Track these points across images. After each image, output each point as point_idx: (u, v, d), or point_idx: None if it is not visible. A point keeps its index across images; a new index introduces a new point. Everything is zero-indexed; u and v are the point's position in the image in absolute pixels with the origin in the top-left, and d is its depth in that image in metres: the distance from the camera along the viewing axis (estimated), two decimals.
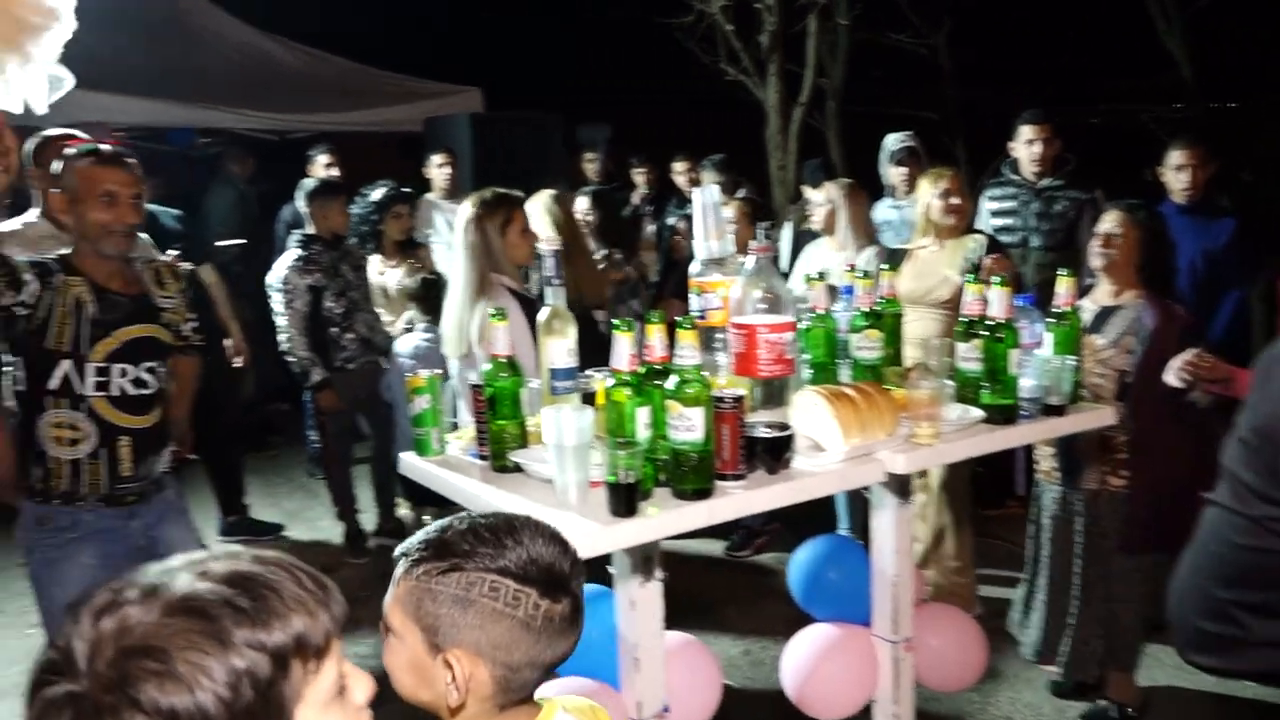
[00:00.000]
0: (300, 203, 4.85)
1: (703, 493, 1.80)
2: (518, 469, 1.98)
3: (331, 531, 5.29)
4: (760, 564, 4.84)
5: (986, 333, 2.29)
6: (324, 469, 5.30)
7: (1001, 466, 4.69)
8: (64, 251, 2.77)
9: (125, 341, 2.75)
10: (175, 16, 7.93)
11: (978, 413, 2.25)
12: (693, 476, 1.80)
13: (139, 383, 2.78)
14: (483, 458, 2.06)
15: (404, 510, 5.31)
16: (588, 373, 2.08)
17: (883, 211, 5.41)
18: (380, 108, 8.01)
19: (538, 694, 1.32)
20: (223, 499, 5.36)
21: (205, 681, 0.83)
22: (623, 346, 1.78)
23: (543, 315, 2.05)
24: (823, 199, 4.56)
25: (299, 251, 4.73)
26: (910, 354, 2.59)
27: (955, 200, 3.93)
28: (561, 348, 2.02)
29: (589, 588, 2.51)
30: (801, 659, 2.62)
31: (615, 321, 1.78)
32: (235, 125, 7.55)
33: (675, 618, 4.08)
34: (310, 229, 4.78)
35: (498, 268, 3.20)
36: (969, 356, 2.30)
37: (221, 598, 0.86)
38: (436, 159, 6.35)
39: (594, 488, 1.79)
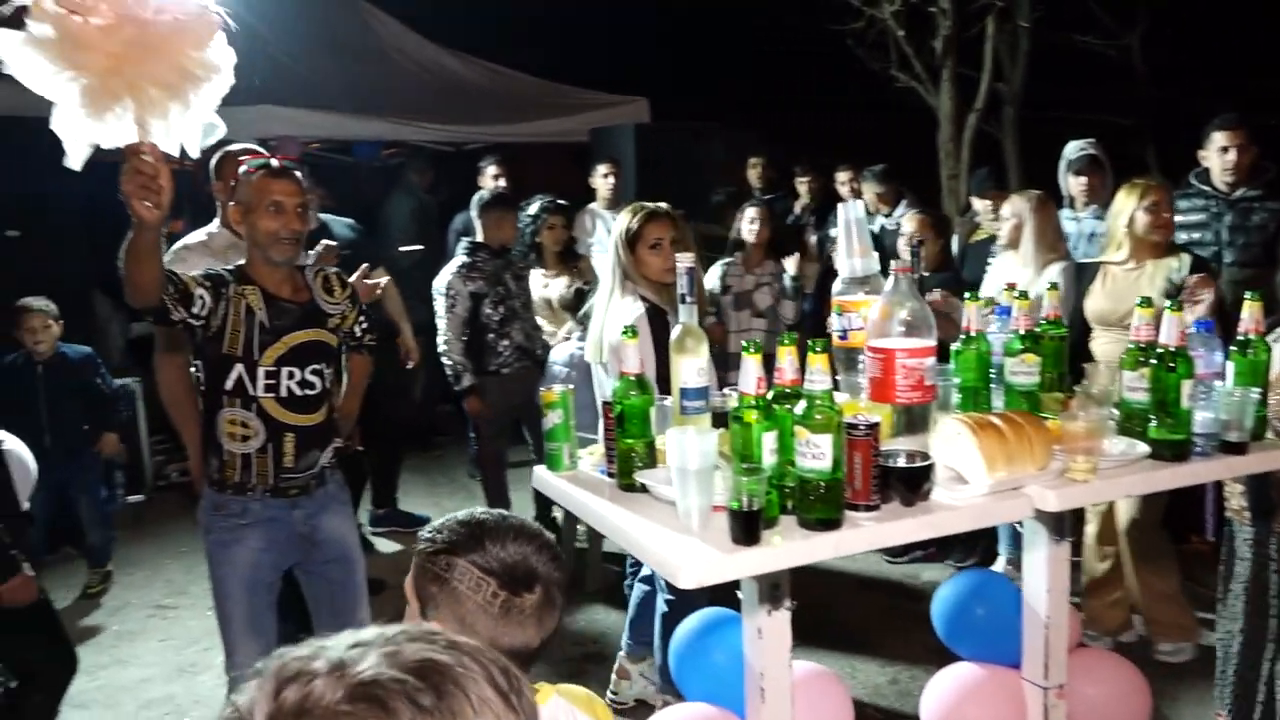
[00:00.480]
0: (473, 212, 5.02)
1: (830, 523, 1.73)
2: (644, 489, 1.96)
3: None
4: (917, 587, 4.66)
5: (1156, 361, 2.11)
6: (480, 470, 5.46)
7: (1188, 500, 4.35)
8: (240, 262, 2.95)
9: (292, 346, 2.90)
10: (368, 36, 8.40)
11: (1143, 448, 2.08)
12: (820, 506, 1.73)
13: (305, 384, 2.93)
14: (611, 475, 2.06)
15: (558, 513, 5.38)
16: (725, 391, 2.04)
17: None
18: (550, 119, 8.20)
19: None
20: (376, 492, 5.61)
21: None
22: (750, 368, 1.73)
23: (675, 333, 2.02)
24: (1008, 212, 4.34)
25: (465, 258, 4.89)
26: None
27: (1166, 215, 3.71)
28: (692, 366, 1.98)
29: (718, 612, 2.48)
30: (944, 699, 2.49)
31: (745, 343, 1.74)
32: (415, 137, 7.89)
33: (823, 638, 4.02)
34: (479, 237, 4.94)
35: (633, 280, 3.26)
36: (1136, 386, 2.13)
37: (404, 690, 0.81)
38: (601, 169, 6.44)
39: (716, 512, 1.75)
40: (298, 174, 2.88)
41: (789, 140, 8.48)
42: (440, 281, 4.88)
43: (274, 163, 2.88)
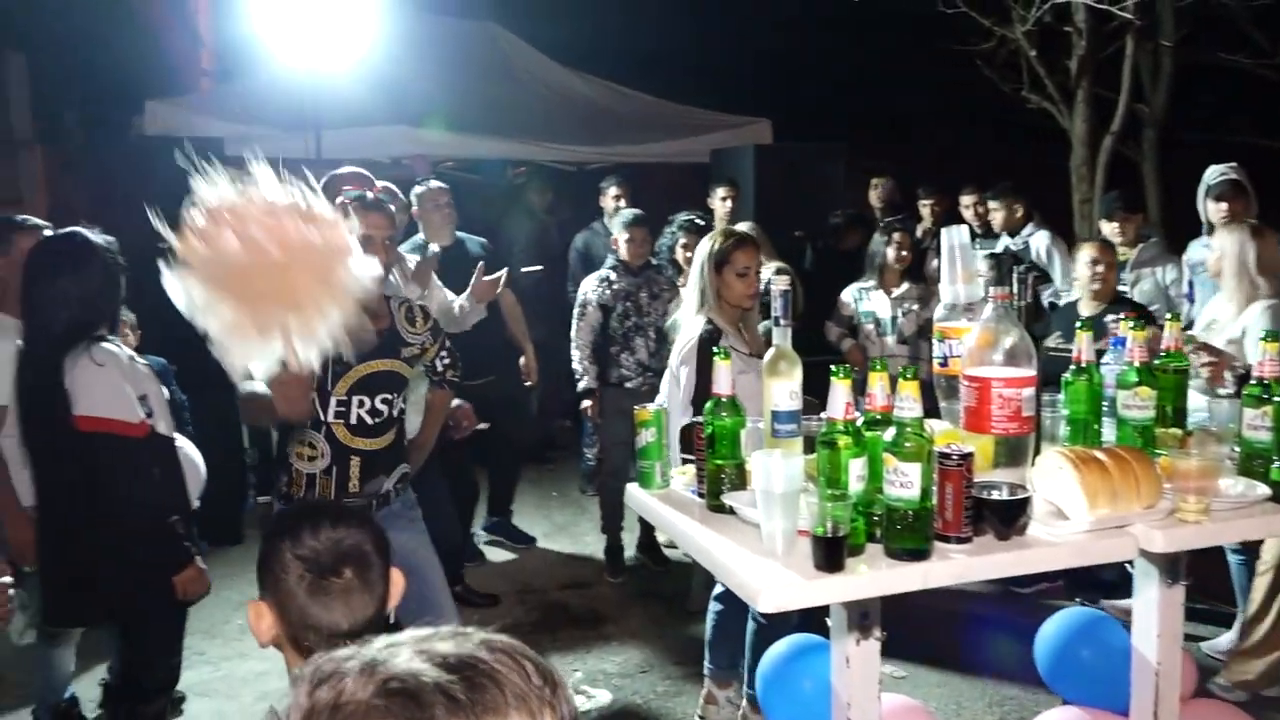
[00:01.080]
0: (615, 229, 5.20)
1: (918, 553, 1.70)
2: (731, 511, 1.96)
3: (595, 547, 5.48)
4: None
5: None
6: (596, 484, 5.53)
7: None
8: None
9: (364, 376, 2.97)
10: (498, 57, 8.65)
11: (1263, 489, 1.97)
12: (907, 535, 1.70)
13: (374, 412, 3.00)
14: (701, 495, 2.07)
15: (662, 536, 5.41)
16: (821, 416, 2.02)
17: (1196, 251, 4.89)
18: (672, 140, 8.26)
19: None
20: (492, 501, 5.74)
21: None
22: (839, 394, 1.72)
23: (768, 356, 2.02)
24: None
25: (604, 272, 5.14)
26: None
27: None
28: (784, 389, 1.98)
29: (808, 638, 2.45)
30: None
31: (834, 368, 1.73)
32: (539, 157, 8.07)
33: (934, 660, 3.91)
34: (622, 254, 5.11)
35: (711, 302, 3.34)
36: (1258, 425, 2.02)
37: (437, 684, 0.79)
38: (719, 191, 6.46)
39: (801, 537, 1.74)
40: (390, 208, 3.04)
41: (912, 163, 8.34)
42: (580, 289, 5.16)
43: (368, 195, 3.03)
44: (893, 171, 7.77)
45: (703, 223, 5.53)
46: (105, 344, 2.81)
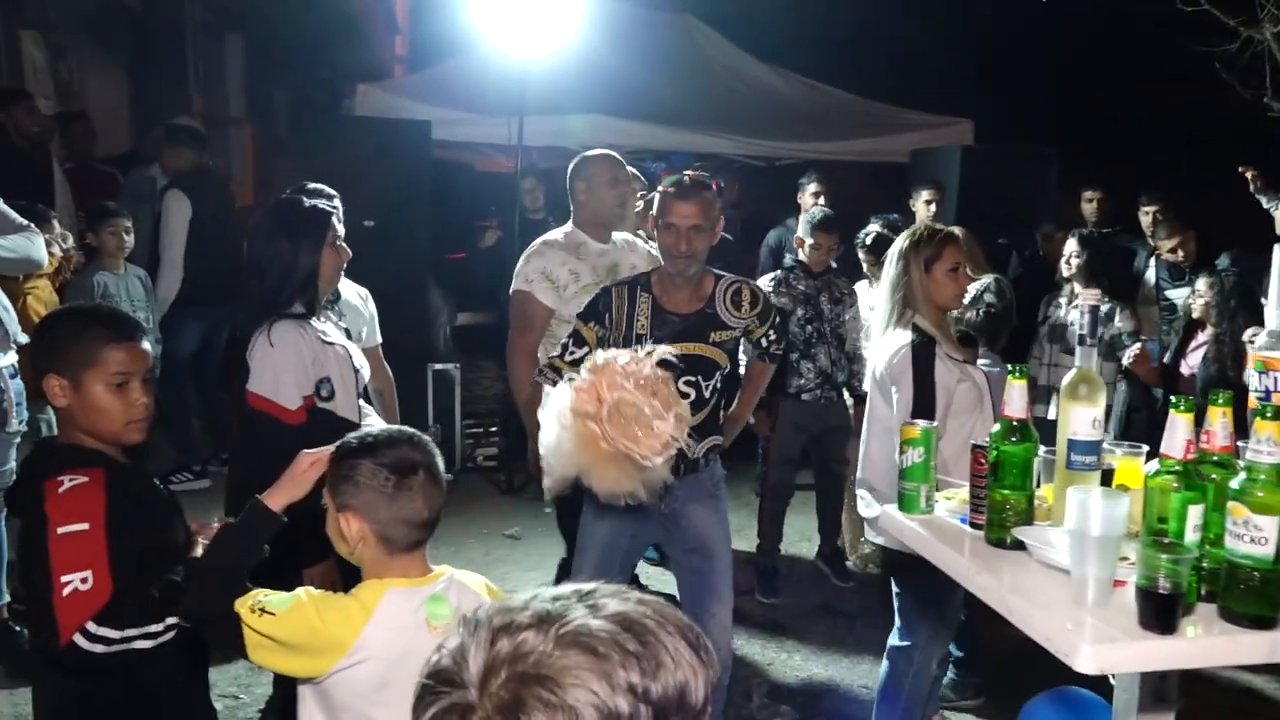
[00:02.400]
0: (801, 229, 4.91)
1: (1264, 621, 1.46)
2: (1018, 546, 1.76)
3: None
4: None
5: None
6: (760, 494, 5.24)
7: None
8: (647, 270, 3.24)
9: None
10: (695, 51, 8.55)
11: None
12: (1253, 599, 1.46)
13: (680, 393, 2.96)
14: (974, 525, 1.87)
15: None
16: (1120, 448, 1.80)
17: None
18: (867, 138, 7.97)
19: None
20: None
21: (590, 717, 0.83)
22: (1179, 429, 1.49)
23: (1068, 378, 1.81)
24: None
25: (779, 274, 4.85)
26: None
27: None
28: (1087, 417, 1.76)
29: (1085, 696, 2.21)
30: None
31: (1174, 399, 1.50)
32: (728, 150, 7.92)
33: None
34: (802, 255, 4.84)
35: (915, 306, 3.07)
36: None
37: (612, 637, 0.86)
38: (925, 194, 6.14)
39: (1117, 587, 1.53)
40: (706, 194, 3.01)
41: (1131, 171, 7.78)
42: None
43: (685, 182, 3.00)
44: (1104, 182, 7.27)
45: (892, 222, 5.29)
46: (287, 322, 2.66)
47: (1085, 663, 1.40)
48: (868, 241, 5.06)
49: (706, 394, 3.08)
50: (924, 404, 2.91)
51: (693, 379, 3.02)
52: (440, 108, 6.66)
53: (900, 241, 3.17)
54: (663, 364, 2.55)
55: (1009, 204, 6.48)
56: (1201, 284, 5.21)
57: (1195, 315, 5.04)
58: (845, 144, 7.90)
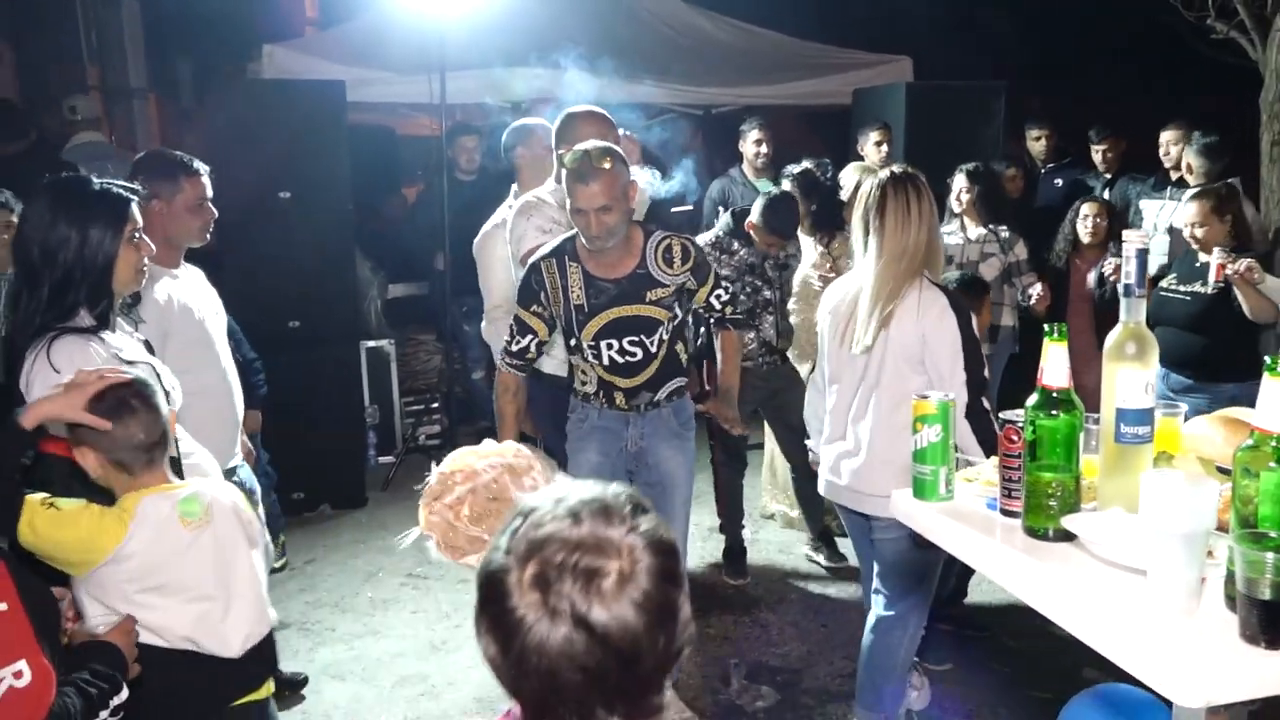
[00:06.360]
0: (755, 216, 4.39)
1: None
2: (1063, 537, 1.50)
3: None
4: None
5: None
6: (713, 464, 4.86)
7: None
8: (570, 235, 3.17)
9: (606, 323, 3.12)
10: None
11: None
12: None
13: (624, 352, 3.15)
14: (1006, 513, 1.60)
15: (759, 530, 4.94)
16: (1172, 410, 1.54)
17: None
18: (806, 80, 7.67)
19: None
20: None
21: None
22: (1277, 395, 1.23)
23: (1114, 336, 1.53)
24: None
25: (718, 234, 4.51)
26: None
27: None
28: (1137, 381, 1.49)
29: (1134, 695, 1.97)
30: None
31: (1269, 359, 1.24)
32: (664, 100, 7.57)
33: None
34: (754, 219, 4.38)
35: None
36: None
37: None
38: (873, 135, 5.87)
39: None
40: (608, 168, 2.88)
41: (1072, 102, 7.61)
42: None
43: (585, 156, 2.87)
44: (1050, 114, 7.07)
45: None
46: (71, 338, 2.19)
47: (1190, 695, 1.13)
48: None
49: (653, 349, 3.16)
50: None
51: (636, 338, 3.13)
52: (354, 67, 6.18)
53: (882, 186, 2.85)
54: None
55: (958, 143, 6.20)
56: (1086, 207, 5.14)
57: (1085, 240, 5.03)
58: (784, 87, 7.58)
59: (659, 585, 1.06)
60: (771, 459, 5.16)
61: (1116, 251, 4.82)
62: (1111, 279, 4.75)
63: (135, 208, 2.32)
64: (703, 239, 4.48)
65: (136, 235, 2.31)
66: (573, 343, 3.21)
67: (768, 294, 4.47)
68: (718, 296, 3.28)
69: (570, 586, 1.02)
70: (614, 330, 3.12)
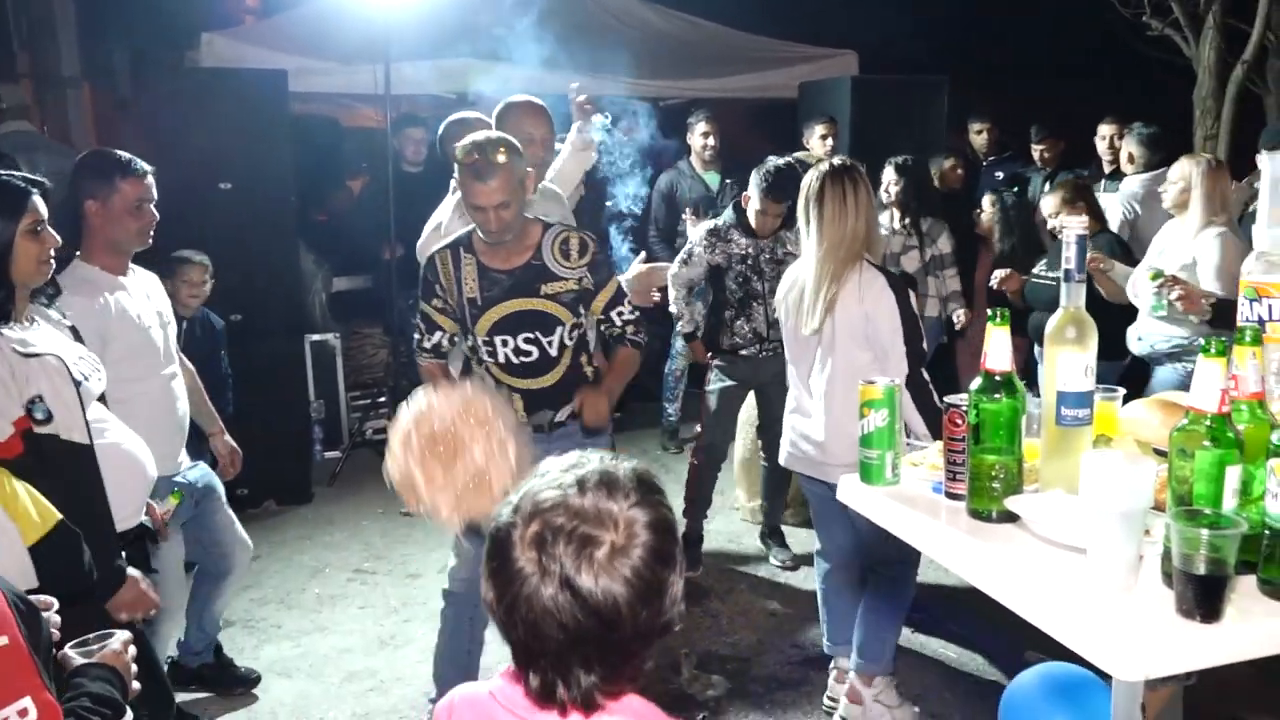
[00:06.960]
0: (752, 191, 4.35)
1: None
2: (1006, 518, 1.53)
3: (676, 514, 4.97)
4: None
5: None
6: (690, 464, 4.79)
7: None
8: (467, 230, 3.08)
9: (501, 317, 3.02)
10: None
11: None
12: None
13: (520, 351, 3.03)
14: (951, 495, 1.63)
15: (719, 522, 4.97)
16: (1110, 395, 1.57)
17: None
18: (753, 73, 7.71)
19: None
20: None
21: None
22: (1211, 376, 1.26)
23: (1054, 320, 1.56)
24: (1175, 175, 4.09)
25: (715, 223, 4.50)
26: None
27: None
28: (1078, 364, 1.52)
29: (1075, 674, 2.02)
30: None
31: (1205, 342, 1.27)
32: (610, 92, 7.54)
33: None
34: (750, 221, 4.39)
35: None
36: None
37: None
38: (819, 129, 5.93)
39: None
40: (502, 162, 2.83)
41: (1013, 96, 7.73)
42: (690, 240, 4.61)
43: (476, 151, 2.83)
44: (991, 109, 7.19)
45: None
46: None
47: (1129, 669, 1.16)
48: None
49: (552, 352, 3.05)
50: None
51: (531, 336, 3.02)
52: (296, 56, 6.08)
53: (834, 178, 3.04)
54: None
55: (902, 136, 6.28)
56: (985, 201, 5.34)
57: (982, 232, 5.24)
58: (731, 80, 7.61)
59: (650, 562, 1.13)
60: (746, 454, 5.19)
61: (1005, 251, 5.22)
62: (1000, 289, 4.77)
63: (37, 199, 2.29)
64: (702, 227, 4.54)
65: (39, 227, 2.29)
66: (469, 342, 3.10)
67: (757, 285, 4.43)
68: (619, 314, 3.13)
69: (564, 550, 1.11)
70: (509, 326, 3.01)
